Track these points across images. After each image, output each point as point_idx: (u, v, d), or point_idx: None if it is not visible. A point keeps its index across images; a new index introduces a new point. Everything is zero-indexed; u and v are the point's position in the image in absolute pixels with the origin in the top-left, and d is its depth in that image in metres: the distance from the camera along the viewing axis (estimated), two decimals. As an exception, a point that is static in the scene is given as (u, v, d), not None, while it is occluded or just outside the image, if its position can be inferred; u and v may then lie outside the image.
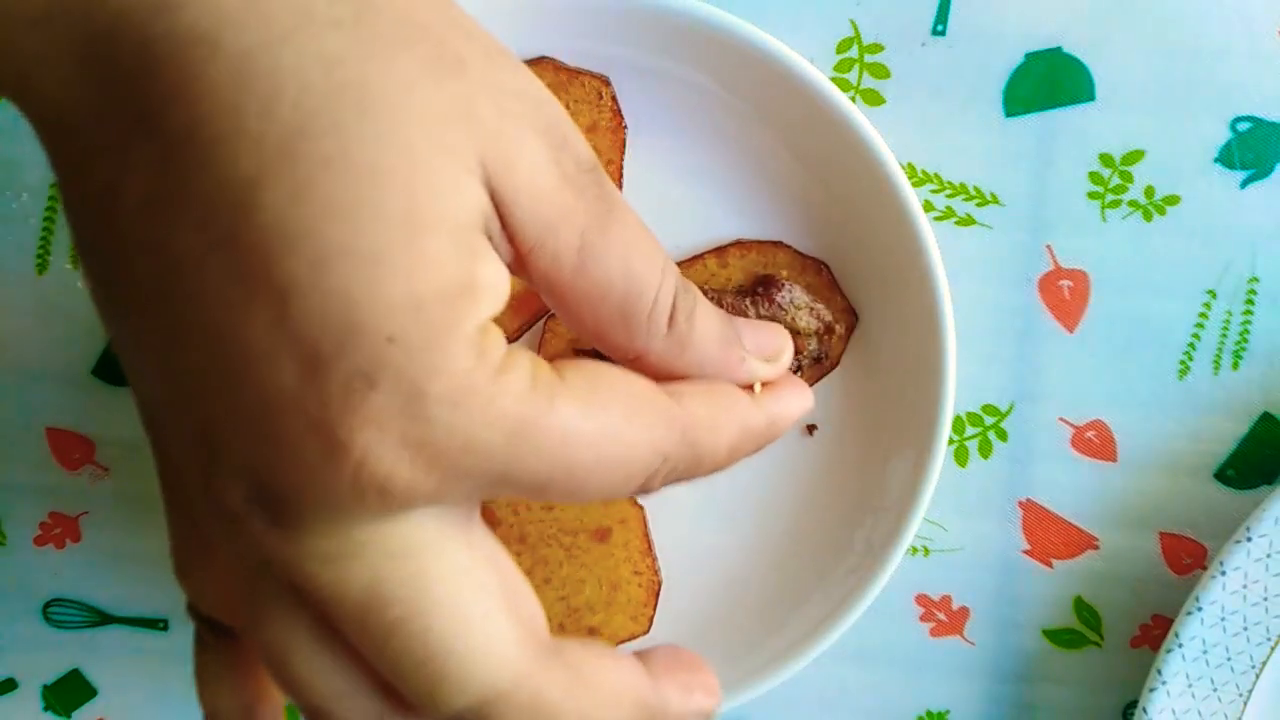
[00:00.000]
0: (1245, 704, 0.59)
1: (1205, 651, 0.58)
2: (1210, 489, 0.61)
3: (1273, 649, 0.59)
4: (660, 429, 0.36)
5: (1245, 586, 0.57)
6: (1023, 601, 0.62)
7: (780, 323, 0.55)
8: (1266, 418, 0.60)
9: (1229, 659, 0.58)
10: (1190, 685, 0.58)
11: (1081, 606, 0.62)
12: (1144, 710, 0.58)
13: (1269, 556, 0.57)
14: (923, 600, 0.62)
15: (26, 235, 0.62)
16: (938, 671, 0.63)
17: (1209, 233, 0.59)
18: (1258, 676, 0.59)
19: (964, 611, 0.62)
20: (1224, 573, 0.57)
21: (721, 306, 0.54)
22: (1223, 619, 0.58)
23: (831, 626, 0.57)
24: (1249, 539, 0.57)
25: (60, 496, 0.63)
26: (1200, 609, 0.58)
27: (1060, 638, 0.62)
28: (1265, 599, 0.58)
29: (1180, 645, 0.58)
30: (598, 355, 0.58)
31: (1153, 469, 0.61)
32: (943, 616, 0.63)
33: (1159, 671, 0.58)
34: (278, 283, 0.28)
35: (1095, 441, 0.61)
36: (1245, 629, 0.58)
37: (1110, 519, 0.61)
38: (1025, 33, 0.59)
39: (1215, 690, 0.59)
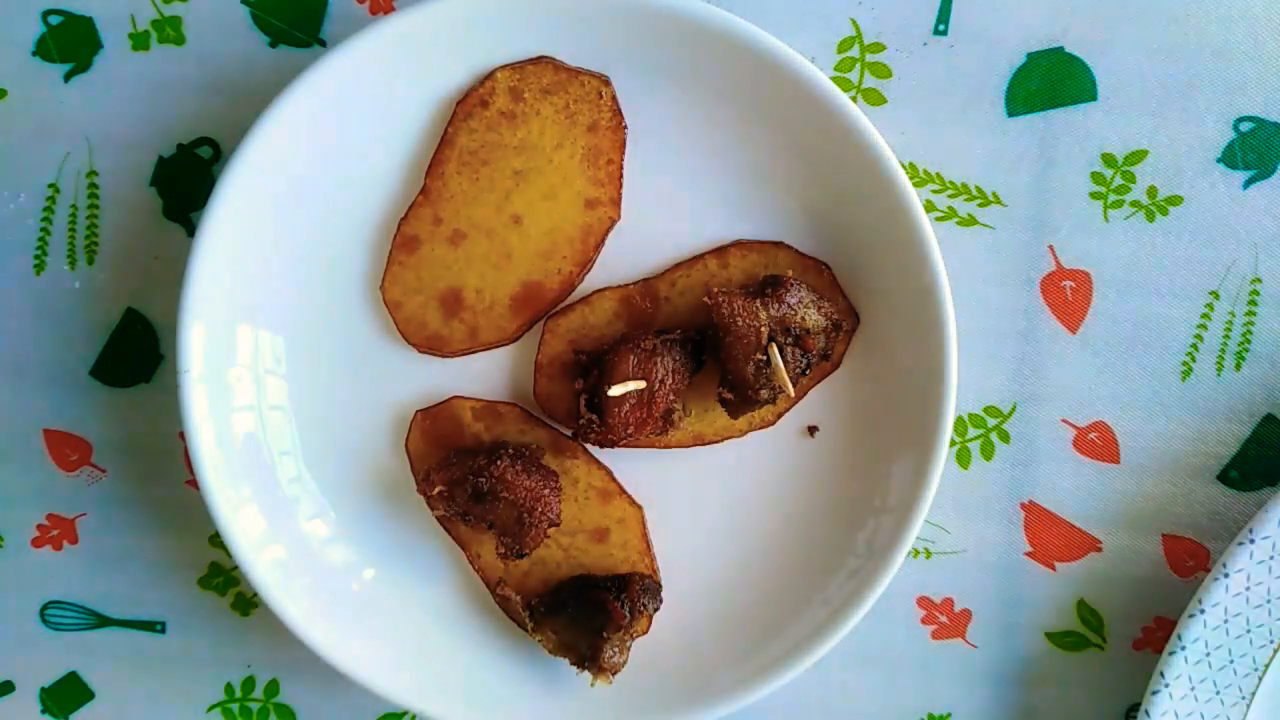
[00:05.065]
0: (1249, 707, 0.59)
1: (1208, 654, 0.58)
2: (1213, 490, 0.60)
3: (1276, 651, 0.58)
4: None
5: (1248, 589, 0.57)
6: (1025, 604, 0.62)
7: (790, 322, 0.54)
8: (1270, 419, 0.60)
9: (1232, 661, 0.58)
10: (1193, 688, 0.58)
11: (1084, 608, 0.62)
12: (1146, 713, 0.58)
13: (1272, 559, 0.57)
14: (924, 602, 0.62)
15: (24, 236, 0.62)
16: (940, 674, 0.63)
17: (1212, 233, 0.59)
18: (1260, 679, 0.59)
19: (966, 614, 0.62)
20: (1227, 575, 0.57)
21: (732, 308, 0.54)
22: (1225, 621, 0.58)
23: (833, 629, 0.57)
24: (1251, 541, 0.57)
25: (58, 498, 0.63)
26: (1203, 611, 0.57)
27: (1063, 640, 0.62)
28: (1268, 601, 0.57)
29: (1183, 648, 0.58)
30: (596, 365, 0.58)
31: (1155, 470, 0.61)
32: (944, 619, 0.62)
33: (1161, 674, 0.58)
34: None
35: (1098, 443, 0.61)
36: (1248, 631, 0.58)
37: (1113, 521, 0.61)
38: (1027, 32, 0.59)
39: (1218, 693, 0.58)
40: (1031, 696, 0.63)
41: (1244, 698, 0.59)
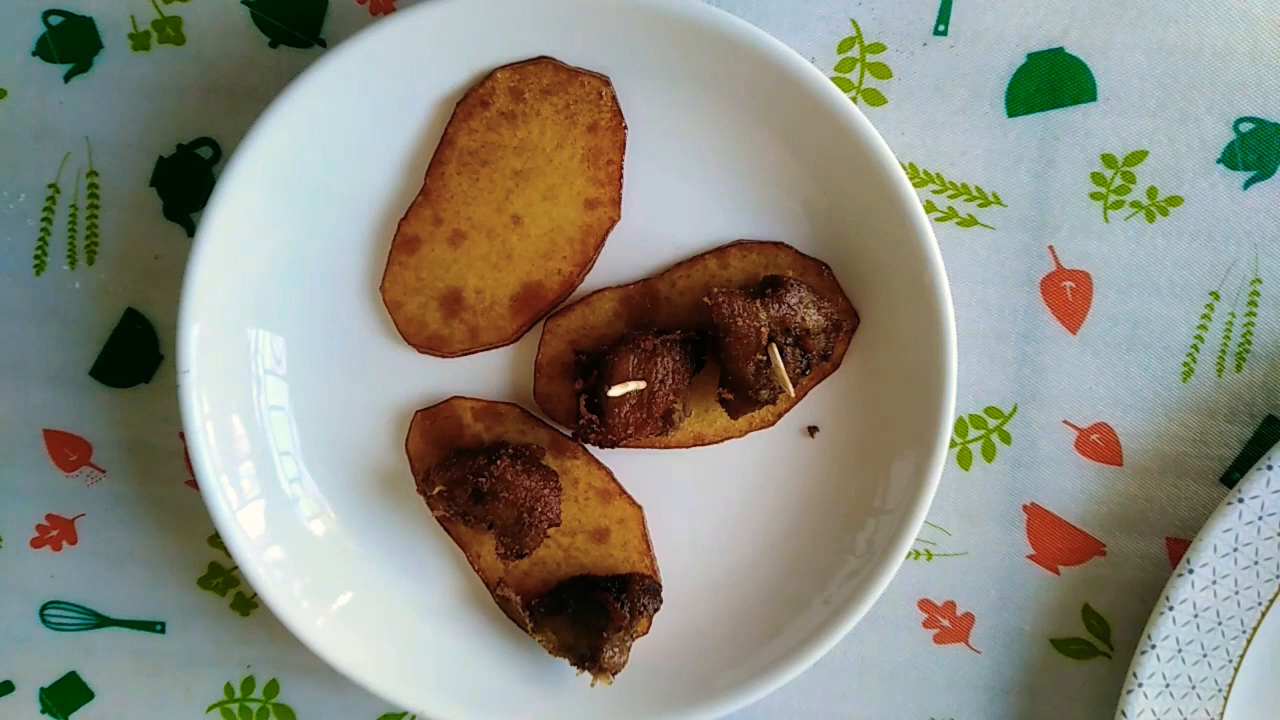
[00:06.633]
0: (1225, 701, 0.59)
1: (1180, 650, 0.58)
2: (1216, 494, 0.60)
3: (1249, 642, 0.58)
4: None
5: (1215, 582, 0.57)
6: (1029, 609, 0.62)
7: (790, 322, 0.54)
8: (1271, 420, 0.60)
9: (1205, 655, 0.58)
10: (1168, 684, 0.58)
11: (1090, 615, 0.62)
12: (1123, 713, 0.58)
13: (1236, 550, 0.57)
14: (926, 605, 0.62)
15: (24, 236, 0.62)
16: (942, 679, 0.63)
17: (1212, 234, 0.59)
18: (1236, 670, 0.59)
19: (969, 618, 0.62)
20: (1191, 570, 0.57)
21: (732, 308, 0.54)
22: (1196, 616, 0.58)
23: (833, 630, 0.57)
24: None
25: (57, 498, 0.63)
26: (1171, 608, 0.57)
27: (1069, 648, 0.62)
28: (1236, 593, 0.57)
29: (1153, 646, 0.58)
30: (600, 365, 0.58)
31: (1158, 473, 0.61)
32: (946, 623, 0.62)
33: (1134, 674, 0.58)
34: None
35: (1100, 444, 0.61)
36: (1219, 624, 0.58)
37: (1116, 524, 0.61)
38: (1027, 33, 0.59)
39: (1194, 688, 0.59)
40: (1037, 706, 0.62)
41: (1220, 690, 0.59)
